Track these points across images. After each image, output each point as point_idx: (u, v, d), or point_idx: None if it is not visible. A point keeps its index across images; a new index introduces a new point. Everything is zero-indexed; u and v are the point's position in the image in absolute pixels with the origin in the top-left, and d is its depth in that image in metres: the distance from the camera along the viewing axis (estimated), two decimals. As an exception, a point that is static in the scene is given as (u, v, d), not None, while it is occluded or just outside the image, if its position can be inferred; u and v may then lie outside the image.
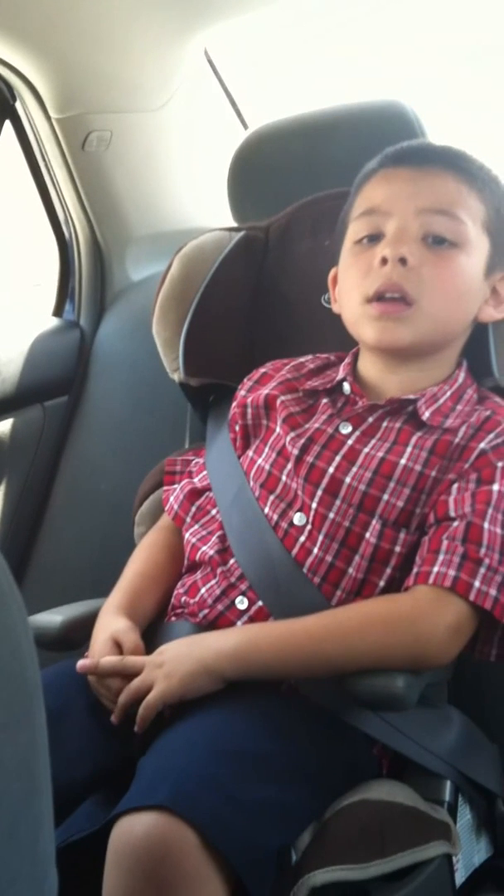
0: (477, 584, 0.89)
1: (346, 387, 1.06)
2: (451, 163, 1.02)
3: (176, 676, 0.89)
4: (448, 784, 0.96)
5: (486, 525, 0.92)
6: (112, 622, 1.00)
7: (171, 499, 1.15)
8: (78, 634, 1.05)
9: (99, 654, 0.96)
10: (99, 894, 0.76)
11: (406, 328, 0.99)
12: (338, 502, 0.98)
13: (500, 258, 1.04)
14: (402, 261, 0.98)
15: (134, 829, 0.75)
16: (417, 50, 2.13)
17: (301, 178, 1.28)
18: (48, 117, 1.52)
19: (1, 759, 0.42)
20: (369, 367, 1.07)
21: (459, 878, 0.94)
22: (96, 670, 0.94)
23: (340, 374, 1.07)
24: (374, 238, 1.02)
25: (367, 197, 1.05)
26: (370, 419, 1.03)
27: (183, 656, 0.91)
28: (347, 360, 1.10)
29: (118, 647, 0.97)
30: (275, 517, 1.01)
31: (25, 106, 1.52)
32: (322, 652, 0.91)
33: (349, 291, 1.04)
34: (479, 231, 1.01)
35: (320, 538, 0.97)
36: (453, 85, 2.12)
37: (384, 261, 0.99)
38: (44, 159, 1.58)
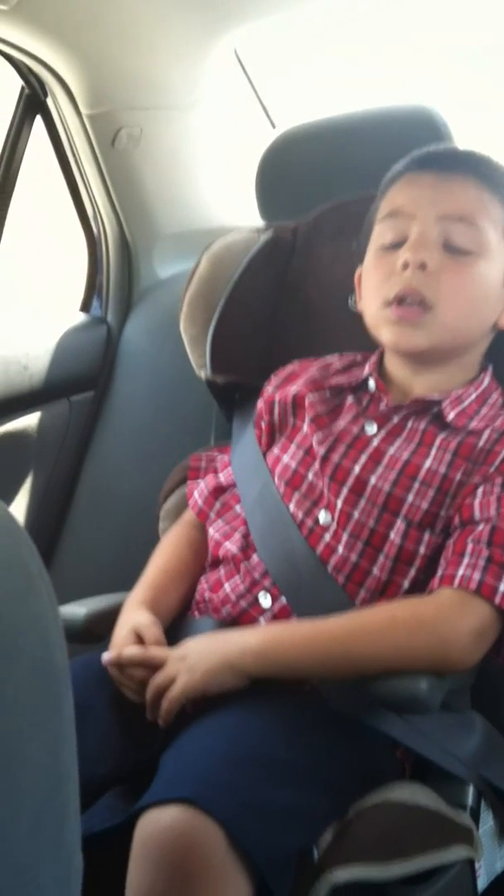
0: (502, 588, 0.89)
1: (372, 383, 1.06)
2: (474, 169, 1.02)
3: (199, 671, 0.89)
4: (471, 789, 0.95)
5: None
6: (134, 616, 1.00)
7: (196, 494, 1.15)
8: (101, 627, 1.05)
9: (120, 646, 0.96)
10: (117, 886, 0.75)
11: (422, 333, 0.99)
12: (363, 502, 0.98)
13: None
14: (422, 266, 0.98)
15: (161, 820, 0.75)
16: (417, 50, 2.12)
17: (328, 181, 1.28)
18: (79, 113, 1.52)
19: (29, 746, 0.42)
20: (394, 366, 1.07)
21: (482, 884, 0.93)
22: (119, 660, 0.94)
23: (366, 371, 1.08)
24: (398, 243, 1.02)
25: (392, 199, 1.05)
26: (395, 419, 1.03)
27: (206, 651, 0.91)
28: (374, 358, 1.10)
29: (140, 640, 0.97)
30: (300, 515, 1.00)
31: (56, 102, 1.52)
32: (346, 653, 0.90)
33: (371, 294, 1.04)
34: (500, 238, 1.01)
35: (345, 537, 0.97)
36: (453, 85, 2.11)
37: (405, 265, 0.99)
38: (74, 155, 1.59)
